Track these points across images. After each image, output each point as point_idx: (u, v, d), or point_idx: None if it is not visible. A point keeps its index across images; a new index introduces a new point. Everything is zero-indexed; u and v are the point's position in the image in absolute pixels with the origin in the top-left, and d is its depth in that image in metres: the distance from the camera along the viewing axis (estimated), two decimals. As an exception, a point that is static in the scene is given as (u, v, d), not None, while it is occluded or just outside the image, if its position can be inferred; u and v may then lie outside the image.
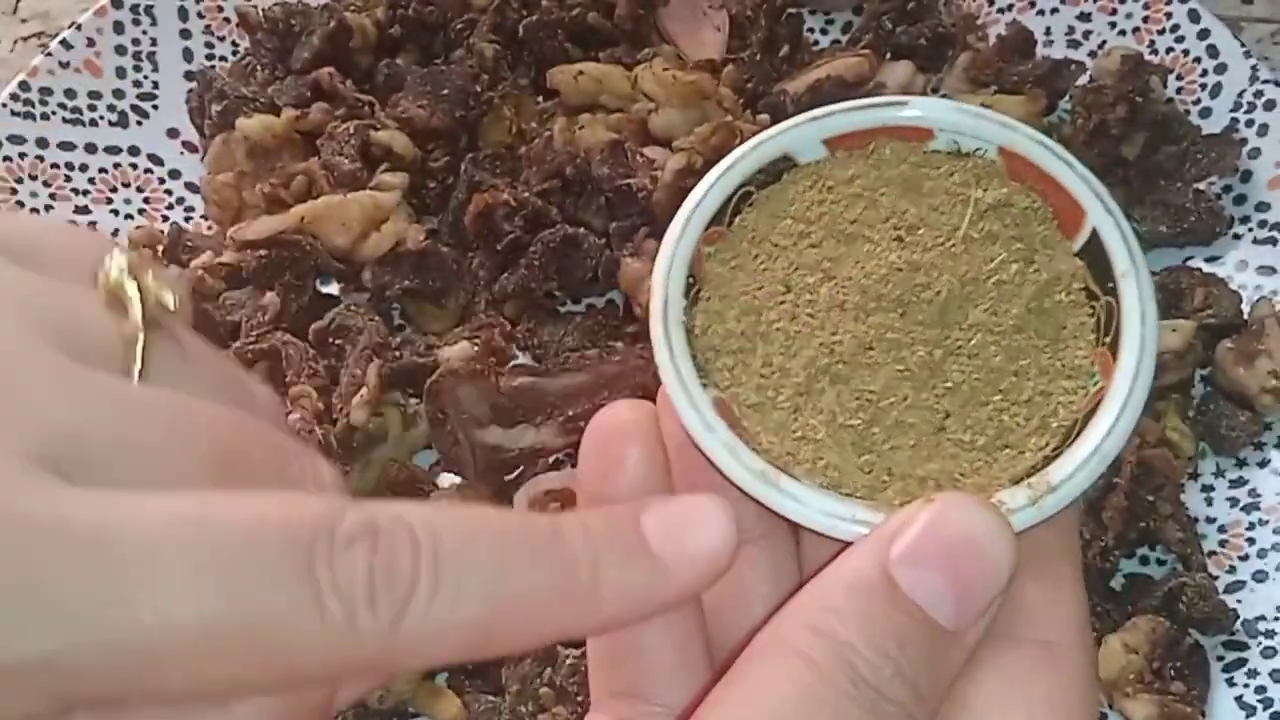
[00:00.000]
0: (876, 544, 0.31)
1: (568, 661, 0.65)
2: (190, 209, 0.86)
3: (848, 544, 0.32)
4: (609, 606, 0.29)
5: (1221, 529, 0.73)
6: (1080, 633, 0.33)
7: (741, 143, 0.38)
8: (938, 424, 0.33)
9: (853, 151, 0.37)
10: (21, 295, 0.28)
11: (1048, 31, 0.89)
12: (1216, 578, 0.71)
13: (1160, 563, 0.73)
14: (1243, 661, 0.69)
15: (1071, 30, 0.89)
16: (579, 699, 0.64)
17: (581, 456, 0.36)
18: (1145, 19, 0.87)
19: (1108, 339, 0.34)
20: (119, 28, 0.88)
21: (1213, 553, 0.72)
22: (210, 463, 0.28)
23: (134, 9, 0.89)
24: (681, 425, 0.34)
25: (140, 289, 0.29)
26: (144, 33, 0.89)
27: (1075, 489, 0.32)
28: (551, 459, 0.74)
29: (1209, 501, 0.74)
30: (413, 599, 0.27)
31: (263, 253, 0.78)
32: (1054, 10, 0.89)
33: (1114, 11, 0.88)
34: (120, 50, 0.88)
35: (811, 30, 0.92)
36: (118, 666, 0.25)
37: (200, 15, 0.90)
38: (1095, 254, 0.35)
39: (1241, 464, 0.75)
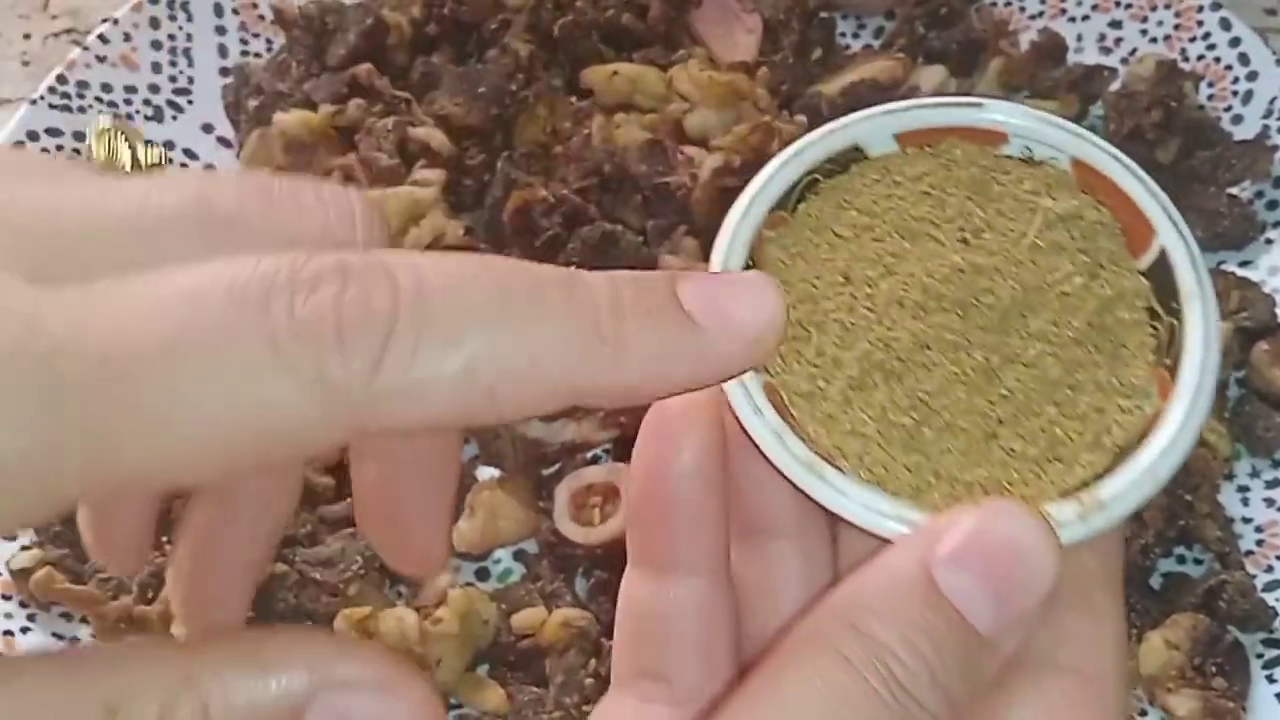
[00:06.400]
0: (920, 543, 0.31)
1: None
2: (225, 204, 0.86)
3: (886, 544, 0.32)
4: (635, 369, 0.27)
5: (1258, 529, 0.73)
6: (1117, 666, 0.33)
7: (779, 143, 0.37)
8: (990, 430, 0.33)
9: (924, 149, 0.36)
10: None
11: (1079, 38, 0.89)
12: (1254, 577, 0.71)
13: (1197, 562, 0.73)
14: (1282, 659, 0.69)
15: (1103, 37, 0.89)
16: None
17: (639, 440, 0.35)
18: (1176, 26, 0.87)
19: (1168, 360, 0.34)
20: (155, 23, 0.88)
21: (1249, 552, 0.72)
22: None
23: (170, 4, 0.89)
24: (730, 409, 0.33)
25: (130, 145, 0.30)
26: (179, 28, 0.89)
27: (1125, 508, 0.32)
28: (590, 454, 0.74)
29: (1245, 502, 0.74)
30: (392, 342, 0.24)
31: (302, 246, 0.78)
32: (1085, 17, 0.90)
33: (1145, 19, 0.88)
34: (156, 45, 0.88)
35: (843, 34, 0.92)
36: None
37: (235, 11, 0.90)
38: (1161, 274, 0.34)
39: (1277, 465, 0.75)
